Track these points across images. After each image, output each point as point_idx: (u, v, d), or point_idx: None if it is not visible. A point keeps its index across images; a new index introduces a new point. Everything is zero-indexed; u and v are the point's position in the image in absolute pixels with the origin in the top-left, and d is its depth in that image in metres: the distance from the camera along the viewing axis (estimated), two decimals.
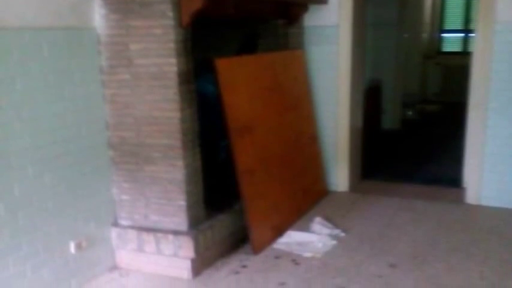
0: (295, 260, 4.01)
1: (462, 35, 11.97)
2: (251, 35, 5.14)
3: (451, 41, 12.28)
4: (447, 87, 11.41)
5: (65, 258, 3.51)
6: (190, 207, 3.75)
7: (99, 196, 3.79)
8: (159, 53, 3.51)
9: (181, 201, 3.70)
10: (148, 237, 3.79)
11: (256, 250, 4.11)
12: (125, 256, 3.94)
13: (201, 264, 3.83)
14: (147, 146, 3.70)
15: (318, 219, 4.67)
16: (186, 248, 3.70)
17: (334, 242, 4.28)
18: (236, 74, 4.20)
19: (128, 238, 3.87)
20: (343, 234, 4.43)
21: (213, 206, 4.05)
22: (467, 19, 11.73)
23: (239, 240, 4.21)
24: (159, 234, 3.76)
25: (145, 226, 3.84)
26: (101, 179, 3.80)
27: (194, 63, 3.68)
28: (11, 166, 3.07)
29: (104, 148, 3.80)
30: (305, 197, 5.07)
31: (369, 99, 6.86)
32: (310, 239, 4.33)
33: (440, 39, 12.30)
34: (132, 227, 3.87)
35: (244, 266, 3.93)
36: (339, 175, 5.60)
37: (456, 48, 12.13)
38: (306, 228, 4.55)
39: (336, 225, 4.59)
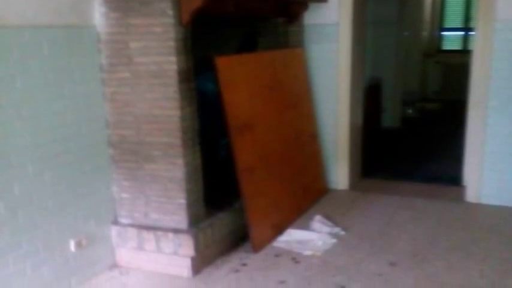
0: (295, 258, 4.01)
1: (462, 33, 11.96)
2: (251, 33, 5.14)
3: (451, 39, 12.27)
4: (447, 86, 11.41)
5: (65, 257, 3.52)
6: (190, 206, 3.75)
7: (99, 194, 3.80)
8: (159, 51, 3.51)
9: (181, 200, 3.70)
10: (148, 236, 3.80)
11: (256, 248, 4.11)
12: (125, 254, 3.94)
13: (201, 262, 3.83)
14: (147, 144, 3.70)
15: (318, 217, 4.67)
16: (186, 246, 3.70)
17: (334, 240, 4.28)
18: (236, 72, 4.20)
19: (128, 236, 3.87)
20: (343, 233, 4.43)
21: (213, 204, 4.06)
22: (467, 17, 11.73)
23: (239, 239, 4.21)
24: (159, 233, 3.76)
25: (145, 224, 3.84)
26: (101, 177, 3.80)
27: (194, 62, 3.68)
28: (11, 164, 3.07)
29: (104, 146, 3.80)
30: (305, 195, 5.07)
31: (369, 97, 6.86)
32: (310, 237, 4.33)
33: (440, 37, 12.30)
34: (132, 225, 3.87)
35: (244, 264, 3.93)
36: (339, 173, 5.60)
37: (456, 46, 12.12)
38: (306, 227, 4.55)
39: (336, 224, 4.59)
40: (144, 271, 3.85)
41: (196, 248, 3.72)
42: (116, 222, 3.93)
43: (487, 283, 3.57)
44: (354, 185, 5.69)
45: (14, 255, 3.13)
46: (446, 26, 12.18)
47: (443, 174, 6.02)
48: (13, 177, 3.10)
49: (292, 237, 4.36)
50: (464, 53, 9.38)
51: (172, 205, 3.74)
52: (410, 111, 9.84)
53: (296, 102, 5.14)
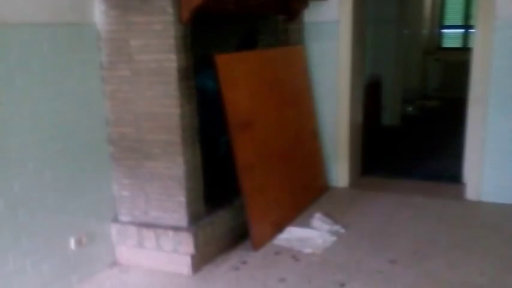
0: (295, 256, 4.01)
1: (462, 31, 11.96)
2: (250, 31, 5.14)
3: (451, 37, 12.26)
4: (447, 83, 11.40)
5: (65, 254, 3.52)
6: (190, 203, 3.75)
7: (99, 192, 3.80)
8: (159, 49, 3.50)
9: (181, 197, 3.70)
10: (148, 233, 3.80)
11: (256, 246, 4.11)
12: (125, 252, 3.94)
13: (201, 260, 3.83)
14: (147, 142, 3.69)
15: (318, 215, 4.67)
16: (186, 244, 3.70)
17: (334, 238, 4.28)
18: (236, 70, 4.20)
19: (128, 234, 3.87)
20: (343, 230, 4.44)
21: (213, 202, 4.05)
22: (467, 15, 11.73)
23: (239, 236, 4.21)
24: (159, 230, 3.76)
25: (145, 222, 3.84)
26: (101, 175, 3.80)
27: (194, 59, 3.68)
28: (11, 162, 3.07)
29: (104, 144, 3.80)
30: (305, 193, 5.07)
31: (369, 95, 6.86)
32: (310, 235, 4.34)
33: (440, 35, 12.29)
34: (132, 223, 3.87)
35: (244, 262, 3.93)
36: (339, 171, 5.60)
37: (456, 44, 12.12)
38: (306, 224, 4.55)
39: (336, 221, 4.59)
40: (144, 269, 3.85)
41: (196, 245, 3.72)
42: (116, 220, 3.93)
43: (487, 281, 3.58)
44: (354, 183, 5.69)
45: (14, 253, 3.13)
46: (446, 23, 12.18)
47: (444, 171, 6.02)
48: (13, 175, 3.10)
49: (292, 235, 4.36)
50: (464, 50, 9.38)
51: (172, 203, 3.74)
52: (410, 108, 9.84)
53: (296, 100, 5.14)
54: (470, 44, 5.67)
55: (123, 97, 3.68)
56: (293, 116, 5.02)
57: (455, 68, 10.82)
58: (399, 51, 8.75)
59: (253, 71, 4.46)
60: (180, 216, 3.74)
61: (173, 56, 3.48)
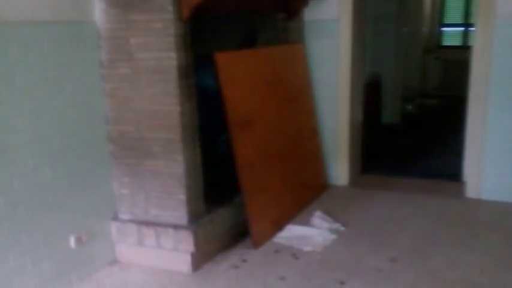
0: (295, 254, 4.01)
1: (462, 29, 11.95)
2: (250, 29, 5.13)
3: (451, 35, 12.25)
4: (447, 82, 11.39)
5: (65, 252, 3.52)
6: (190, 201, 3.75)
7: (99, 190, 3.80)
8: (158, 47, 3.50)
9: (181, 195, 3.70)
10: (148, 231, 3.80)
11: (256, 244, 4.11)
12: (125, 250, 3.95)
13: (201, 258, 3.84)
14: (147, 140, 3.69)
15: (318, 213, 4.67)
16: (186, 242, 3.70)
17: (334, 236, 4.28)
18: (236, 68, 4.20)
19: (128, 232, 3.87)
20: (343, 228, 4.44)
21: (213, 200, 4.05)
22: (467, 13, 11.71)
23: (239, 234, 4.21)
24: (159, 228, 3.76)
25: (145, 220, 3.84)
26: (101, 173, 3.80)
27: (194, 57, 3.68)
28: (11, 160, 3.07)
29: (104, 142, 3.80)
30: (305, 191, 5.07)
31: (369, 93, 6.85)
32: (310, 233, 4.34)
33: (440, 33, 12.28)
34: (132, 221, 3.87)
35: (244, 260, 3.93)
36: (339, 169, 5.60)
37: (456, 42, 12.11)
38: (306, 222, 4.55)
39: (336, 219, 4.59)
40: (144, 267, 3.86)
41: (196, 243, 3.72)
42: (116, 218, 3.93)
43: (487, 279, 3.58)
44: (354, 181, 5.69)
45: (14, 250, 3.13)
46: (446, 21, 12.17)
47: (444, 170, 6.02)
48: (13, 173, 3.10)
49: (292, 233, 4.37)
50: (465, 48, 9.38)
51: (172, 201, 3.74)
52: (410, 107, 9.83)
53: (296, 98, 5.14)
54: (470, 42, 5.66)
55: (123, 95, 3.68)
56: (293, 114, 5.02)
57: (455, 66, 10.81)
58: (399, 49, 8.74)
59: (253, 69, 4.46)
60: (180, 214, 3.74)
61: (173, 54, 3.48)
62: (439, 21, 12.13)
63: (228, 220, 4.13)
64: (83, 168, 3.62)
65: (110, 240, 3.92)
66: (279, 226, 4.42)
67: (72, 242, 3.55)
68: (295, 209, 4.78)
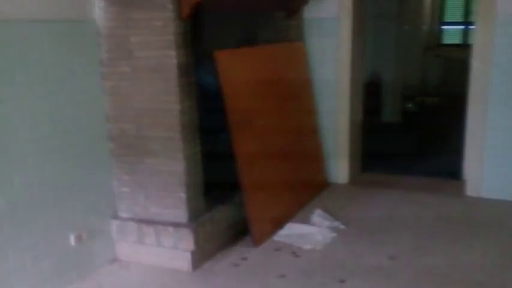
0: (295, 253, 4.01)
1: (462, 27, 11.94)
2: (250, 28, 5.13)
3: (451, 33, 12.25)
4: (447, 80, 11.39)
5: (65, 251, 3.52)
6: (190, 200, 3.75)
7: (99, 188, 3.80)
8: (158, 45, 3.50)
9: (181, 194, 3.70)
10: (148, 230, 3.80)
11: (256, 242, 4.11)
12: (125, 248, 3.95)
13: (201, 256, 3.84)
14: (147, 138, 3.69)
15: (318, 211, 4.67)
16: (186, 240, 3.70)
17: (334, 234, 4.28)
18: (236, 67, 4.20)
19: (128, 230, 3.87)
20: (343, 227, 4.44)
21: (213, 198, 4.05)
22: (467, 11, 11.71)
23: (239, 233, 4.20)
24: (159, 227, 3.76)
25: (145, 218, 3.84)
26: (101, 171, 3.80)
27: (194, 55, 3.68)
28: (11, 158, 3.08)
29: (104, 140, 3.80)
30: (305, 189, 5.07)
31: (369, 91, 6.85)
32: (310, 231, 4.34)
33: (441, 31, 12.27)
34: (132, 219, 3.87)
35: (244, 258, 3.94)
36: (339, 167, 5.60)
37: (456, 40, 12.10)
38: (306, 221, 4.55)
39: (336, 218, 4.59)
40: (144, 265, 3.86)
41: (196, 242, 3.72)
42: (116, 216, 3.93)
43: (487, 277, 3.58)
44: (354, 179, 5.69)
45: (14, 248, 3.14)
46: (446, 20, 12.16)
47: (444, 168, 6.01)
48: (13, 171, 3.10)
49: (292, 231, 4.36)
50: (465, 47, 9.37)
51: (172, 199, 3.74)
52: (410, 105, 9.83)
53: (296, 96, 5.14)
54: (471, 41, 5.66)
55: (123, 93, 3.68)
56: (293, 113, 5.01)
57: (455, 64, 10.80)
58: (399, 47, 8.73)
59: (254, 67, 4.46)
60: (180, 212, 3.74)
61: (173, 53, 3.48)
62: (439, 19, 12.12)
63: (228, 218, 4.13)
64: (83, 166, 3.62)
65: (110, 239, 3.92)
66: (279, 224, 4.42)
67: (72, 240, 3.55)
68: (295, 207, 4.78)
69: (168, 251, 3.78)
